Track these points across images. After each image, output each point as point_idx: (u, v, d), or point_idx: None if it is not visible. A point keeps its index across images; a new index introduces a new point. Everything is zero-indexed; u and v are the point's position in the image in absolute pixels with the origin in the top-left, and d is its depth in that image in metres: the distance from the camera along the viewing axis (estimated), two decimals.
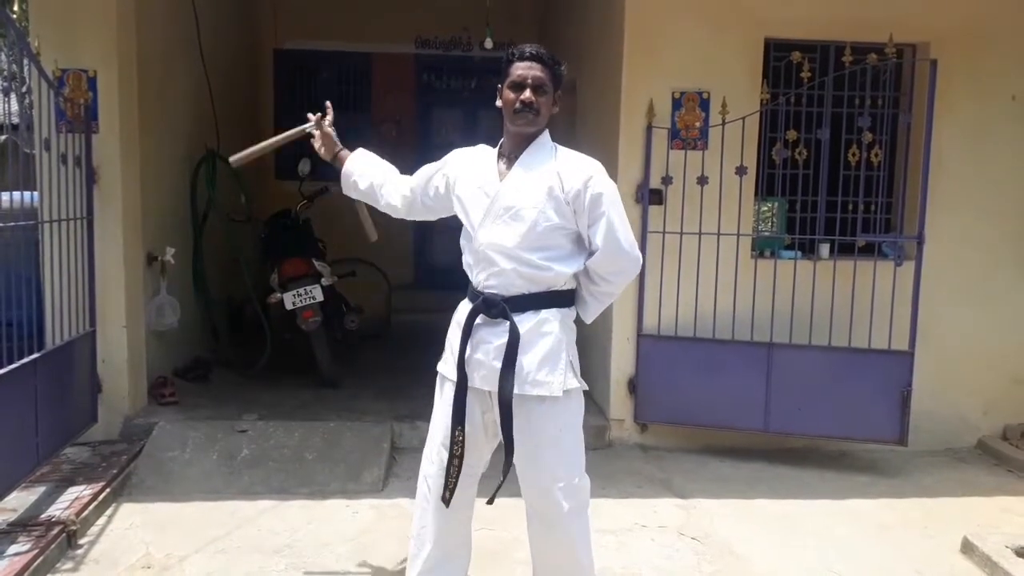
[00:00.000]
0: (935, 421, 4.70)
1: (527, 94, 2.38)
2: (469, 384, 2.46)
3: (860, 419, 4.40)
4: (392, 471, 4.21)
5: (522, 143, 2.47)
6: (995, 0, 4.72)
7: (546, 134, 2.51)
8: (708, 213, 4.49)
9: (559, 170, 2.42)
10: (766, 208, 4.92)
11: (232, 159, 2.92)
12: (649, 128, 4.56)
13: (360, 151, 2.84)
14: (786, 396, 4.43)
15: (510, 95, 2.42)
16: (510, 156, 2.48)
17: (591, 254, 2.46)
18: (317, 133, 2.85)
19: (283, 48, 8.17)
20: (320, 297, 5.30)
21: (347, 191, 2.86)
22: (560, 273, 2.44)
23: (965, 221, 4.77)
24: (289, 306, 5.28)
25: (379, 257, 6.73)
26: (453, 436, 2.45)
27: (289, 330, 5.56)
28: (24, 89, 3.79)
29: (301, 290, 5.27)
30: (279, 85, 8.30)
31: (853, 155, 4.42)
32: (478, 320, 2.45)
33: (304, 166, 5.88)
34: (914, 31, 4.60)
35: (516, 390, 2.39)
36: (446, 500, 2.50)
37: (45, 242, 3.97)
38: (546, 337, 2.43)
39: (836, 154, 4.42)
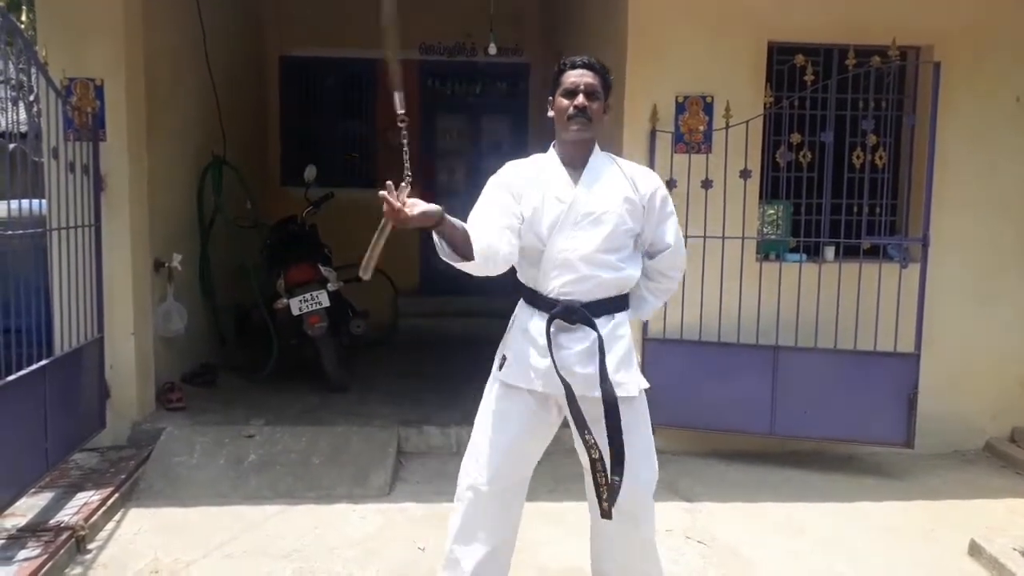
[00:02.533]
0: (942, 423, 4.69)
1: (580, 99, 2.42)
2: (542, 390, 2.46)
3: (866, 422, 4.40)
4: (399, 475, 4.22)
5: (581, 150, 2.50)
6: (998, 2, 4.72)
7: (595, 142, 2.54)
8: (713, 217, 4.50)
9: (632, 175, 2.51)
10: (771, 211, 4.92)
11: (361, 272, 2.33)
12: (653, 132, 4.56)
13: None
14: (792, 399, 4.42)
15: (563, 102, 2.45)
16: (574, 163, 2.50)
17: (654, 254, 2.57)
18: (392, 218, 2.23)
19: (289, 55, 8.22)
20: (326, 302, 5.33)
21: (462, 253, 2.30)
22: (631, 275, 2.50)
23: (970, 223, 4.76)
24: (295, 311, 5.32)
25: (385, 262, 6.71)
26: (586, 442, 2.39)
27: (295, 335, 5.59)
28: (32, 98, 3.82)
29: (307, 295, 5.30)
30: (285, 92, 8.34)
31: (857, 157, 4.42)
32: (553, 328, 2.44)
33: (310, 172, 5.92)
34: (917, 33, 4.60)
35: (603, 393, 2.41)
36: (608, 513, 2.41)
37: (53, 249, 4.00)
38: (621, 340, 2.49)
39: (840, 157, 4.42)
